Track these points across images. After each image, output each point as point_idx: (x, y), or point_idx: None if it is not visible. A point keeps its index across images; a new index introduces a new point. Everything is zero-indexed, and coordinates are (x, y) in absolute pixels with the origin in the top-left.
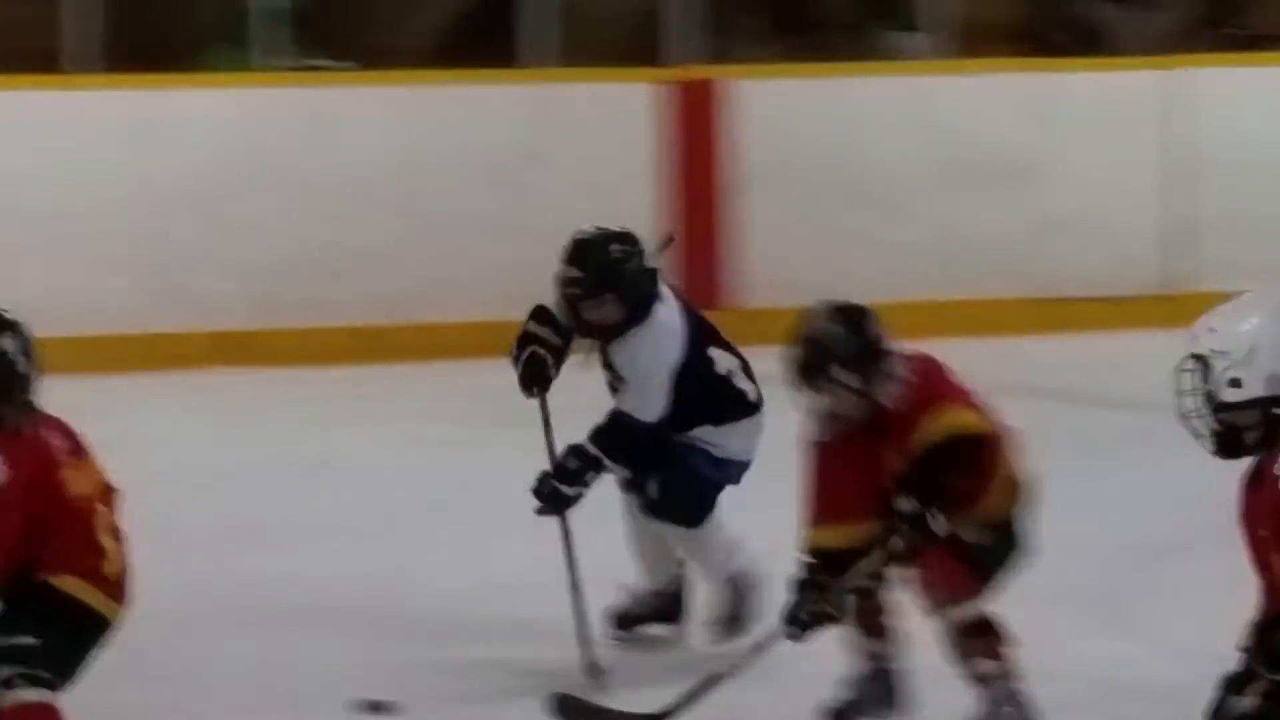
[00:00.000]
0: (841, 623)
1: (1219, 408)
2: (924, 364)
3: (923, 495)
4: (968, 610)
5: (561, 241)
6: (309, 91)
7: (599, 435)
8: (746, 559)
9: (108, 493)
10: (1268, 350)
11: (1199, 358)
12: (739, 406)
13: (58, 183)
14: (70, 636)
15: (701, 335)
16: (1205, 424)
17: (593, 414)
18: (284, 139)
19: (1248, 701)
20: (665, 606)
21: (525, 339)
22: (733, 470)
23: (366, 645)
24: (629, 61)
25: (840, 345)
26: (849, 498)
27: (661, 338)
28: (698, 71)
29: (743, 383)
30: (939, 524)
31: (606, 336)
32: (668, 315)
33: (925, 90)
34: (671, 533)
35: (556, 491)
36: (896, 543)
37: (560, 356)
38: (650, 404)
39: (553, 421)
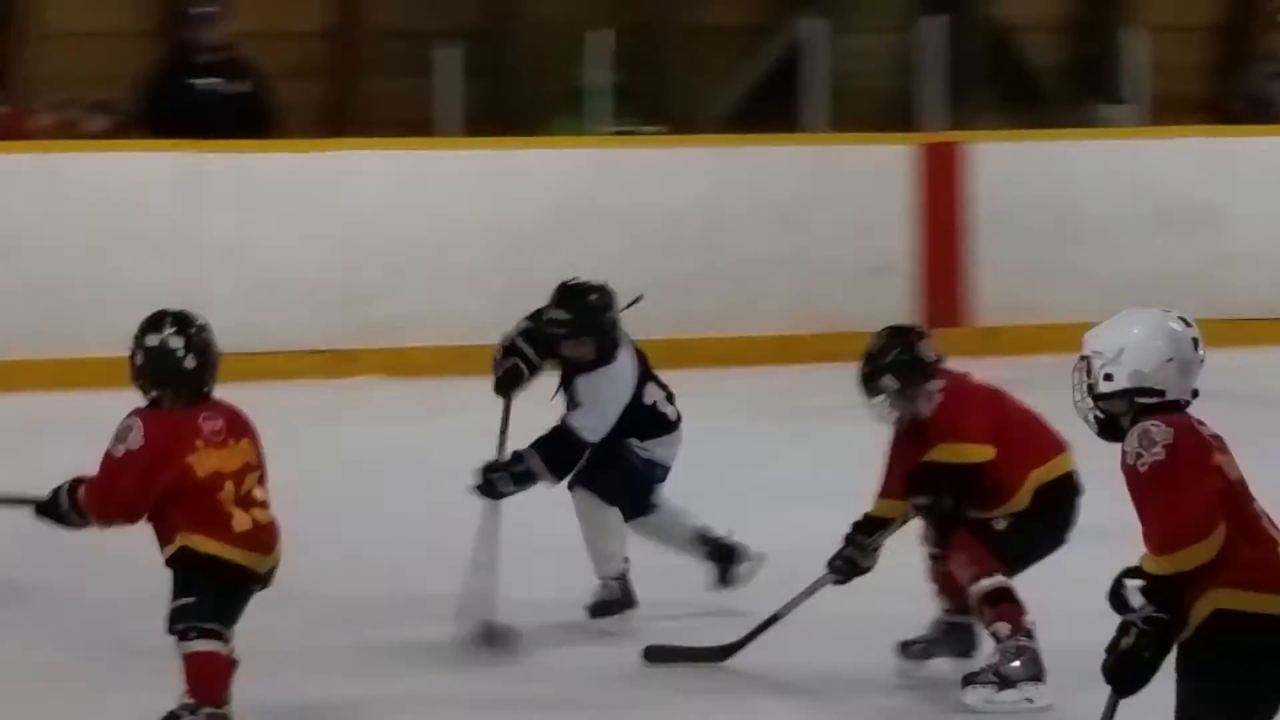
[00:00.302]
0: (869, 571)
1: (1097, 398)
2: (953, 387)
3: (926, 492)
4: (988, 584)
5: (835, 273)
6: (631, 151)
7: (544, 446)
8: (624, 565)
9: (247, 470)
10: (1134, 351)
11: (1084, 358)
12: (661, 426)
13: (433, 224)
14: (220, 589)
15: (641, 373)
16: (1091, 412)
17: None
18: (611, 189)
19: (1128, 639)
20: (719, 562)
21: (510, 351)
22: (658, 471)
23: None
24: (888, 127)
25: (892, 359)
26: (896, 479)
27: (619, 380)
28: (944, 136)
29: (664, 408)
30: (946, 504)
31: (577, 370)
32: (626, 360)
33: (1127, 151)
34: (598, 512)
35: (494, 484)
36: (927, 528)
37: (534, 372)
38: (597, 428)
39: (509, 425)
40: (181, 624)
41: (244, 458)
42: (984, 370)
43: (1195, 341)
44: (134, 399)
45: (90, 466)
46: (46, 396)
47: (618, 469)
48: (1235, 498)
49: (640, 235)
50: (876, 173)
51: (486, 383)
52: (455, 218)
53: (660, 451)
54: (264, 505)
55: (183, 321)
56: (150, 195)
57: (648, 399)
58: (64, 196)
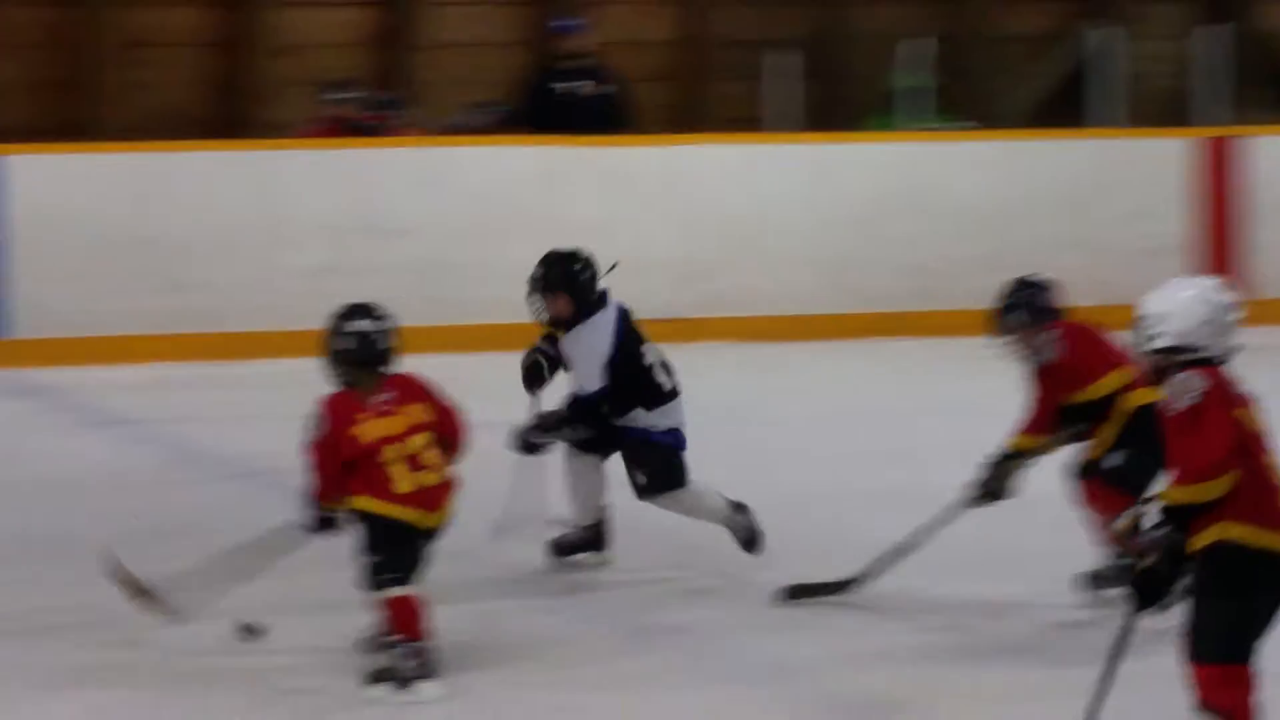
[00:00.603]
0: (1007, 498)
1: (1148, 353)
2: (1072, 330)
3: (1076, 422)
4: (1120, 521)
5: (1118, 253)
6: (940, 145)
7: (566, 407)
8: (726, 498)
9: (413, 432)
10: (1179, 315)
11: (1139, 319)
12: (659, 395)
13: (766, 208)
14: (395, 544)
15: (634, 336)
16: (1145, 364)
17: None
18: (922, 178)
19: (1148, 560)
20: (593, 538)
21: (532, 352)
22: (679, 437)
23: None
24: (1169, 123)
25: (1021, 300)
26: (1034, 415)
27: (597, 331)
28: (1220, 131)
29: (660, 376)
30: (1084, 434)
31: (562, 328)
32: (605, 318)
33: None
34: (669, 501)
35: (526, 439)
36: (1066, 444)
37: (554, 366)
38: (590, 378)
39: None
40: (370, 578)
41: (410, 421)
42: (1256, 338)
43: (1230, 307)
44: (495, 364)
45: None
46: (432, 359)
47: (656, 456)
48: (1251, 447)
49: (945, 219)
50: (1158, 164)
51: (812, 346)
52: (786, 203)
53: (669, 420)
54: (433, 468)
55: (372, 311)
56: (523, 185)
57: (646, 360)
58: (449, 186)
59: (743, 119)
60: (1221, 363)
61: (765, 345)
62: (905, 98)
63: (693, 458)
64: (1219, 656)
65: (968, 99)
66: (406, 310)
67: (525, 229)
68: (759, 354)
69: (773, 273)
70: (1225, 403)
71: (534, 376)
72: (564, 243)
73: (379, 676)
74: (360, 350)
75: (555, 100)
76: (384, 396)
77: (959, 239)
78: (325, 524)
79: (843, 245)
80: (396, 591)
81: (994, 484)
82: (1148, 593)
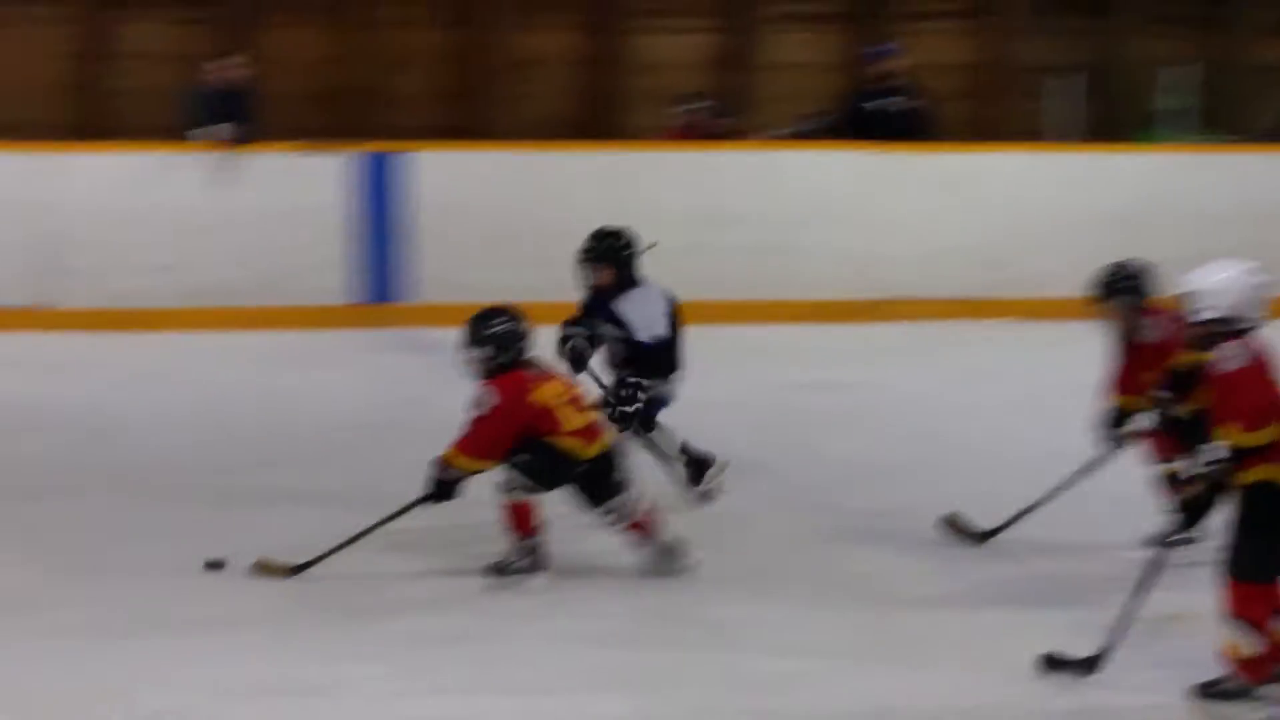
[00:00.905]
0: (1126, 447)
1: (1192, 325)
2: (1170, 312)
3: (1169, 388)
4: (1169, 466)
5: None
6: (1194, 156)
7: (637, 372)
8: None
9: (566, 390)
10: (1223, 291)
11: (1186, 294)
12: (676, 365)
13: (1048, 208)
14: (545, 465)
15: (672, 305)
16: (1190, 334)
17: None
18: (1179, 185)
19: (1194, 489)
20: (699, 465)
21: (564, 340)
22: (654, 406)
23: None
24: None
25: (1122, 283)
26: (1131, 379)
27: (651, 291)
28: None
29: (680, 350)
30: (1172, 404)
31: (607, 295)
32: (651, 286)
33: None
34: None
35: (622, 413)
36: (1154, 410)
37: (593, 342)
38: (655, 324)
39: (601, 379)
40: (506, 481)
41: (562, 383)
42: None
43: (1265, 285)
44: (813, 332)
45: (808, 380)
46: (758, 329)
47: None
48: None
49: (1201, 220)
50: None
51: (1077, 326)
52: (1065, 204)
53: (669, 391)
54: (587, 411)
55: (517, 311)
56: (839, 184)
57: (677, 329)
58: (779, 184)
59: (1031, 132)
60: (1254, 329)
61: (1045, 323)
62: (1171, 116)
63: (981, 409)
64: (1250, 576)
65: (1227, 119)
66: (740, 286)
67: (840, 221)
68: (1038, 330)
69: (1052, 261)
70: (1267, 366)
71: (580, 360)
72: (875, 234)
73: (495, 568)
74: (528, 342)
75: (869, 114)
76: (534, 371)
77: (1212, 238)
78: (449, 490)
79: (1110, 240)
80: (520, 496)
81: (1112, 436)
82: (1192, 513)
